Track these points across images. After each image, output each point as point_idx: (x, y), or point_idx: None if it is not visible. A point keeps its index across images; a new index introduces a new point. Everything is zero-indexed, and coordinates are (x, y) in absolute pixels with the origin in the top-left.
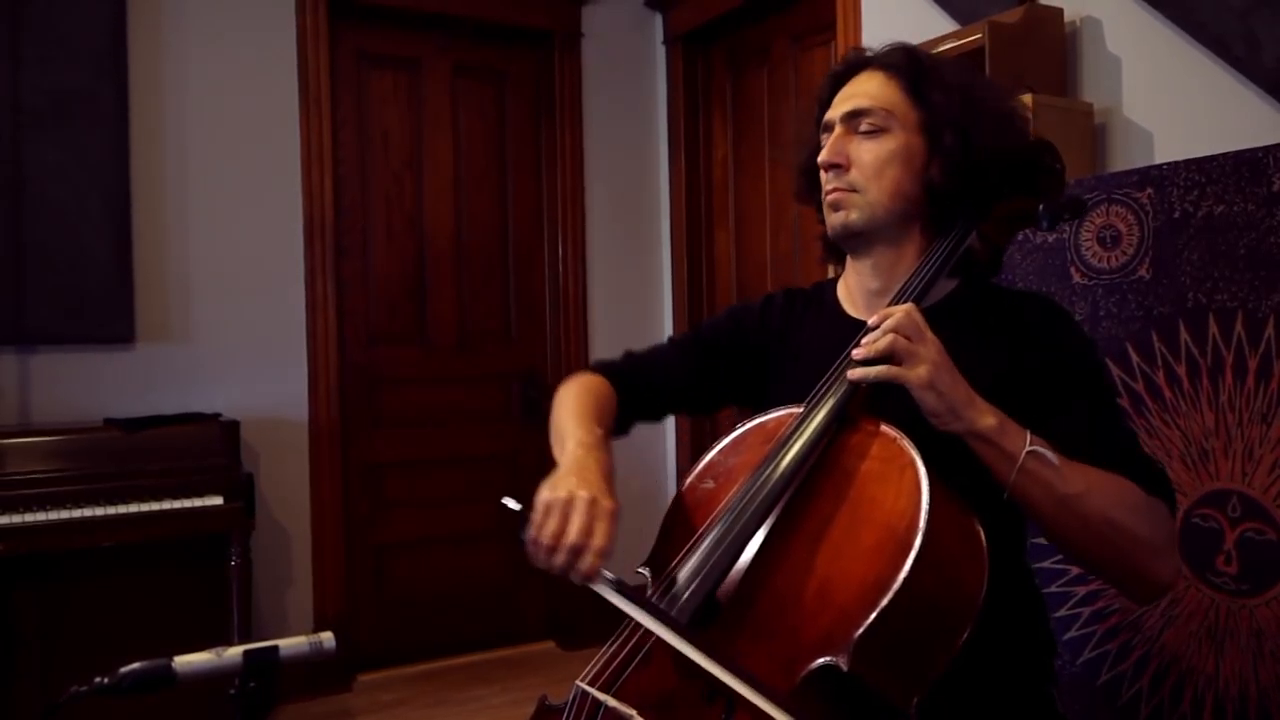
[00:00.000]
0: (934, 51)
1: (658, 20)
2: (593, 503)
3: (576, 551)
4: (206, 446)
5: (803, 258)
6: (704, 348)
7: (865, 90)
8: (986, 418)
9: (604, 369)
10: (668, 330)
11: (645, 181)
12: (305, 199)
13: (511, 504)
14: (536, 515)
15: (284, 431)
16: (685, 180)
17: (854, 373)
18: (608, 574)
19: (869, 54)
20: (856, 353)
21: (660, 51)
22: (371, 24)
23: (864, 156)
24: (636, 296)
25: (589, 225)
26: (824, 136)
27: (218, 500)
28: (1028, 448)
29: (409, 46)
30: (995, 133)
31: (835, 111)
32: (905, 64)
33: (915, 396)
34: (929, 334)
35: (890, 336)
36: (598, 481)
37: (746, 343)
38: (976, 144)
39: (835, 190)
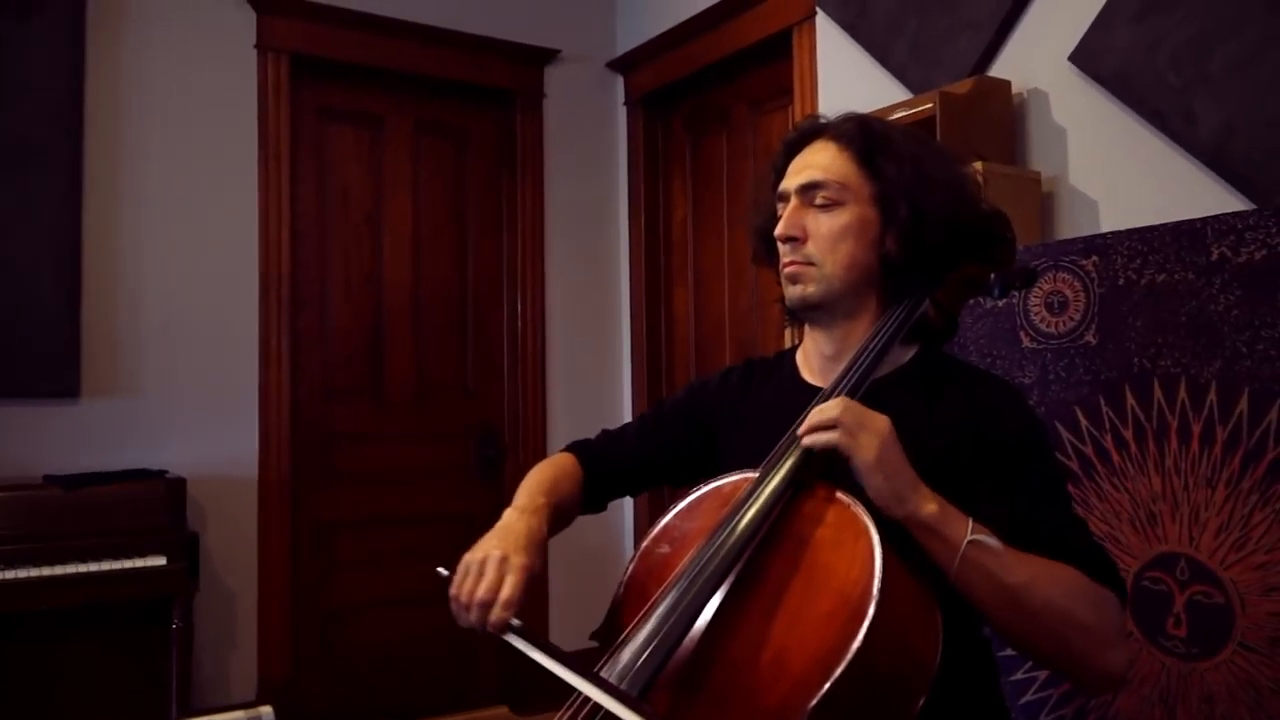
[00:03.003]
0: (887, 119)
1: (619, 82)
2: (503, 560)
3: (485, 606)
4: (150, 505)
5: (760, 315)
6: (664, 425)
7: (819, 162)
8: (929, 504)
9: (575, 445)
10: (626, 389)
11: (605, 240)
12: (261, 253)
13: (444, 571)
14: (456, 576)
15: (233, 489)
16: (645, 239)
17: (806, 438)
18: (514, 625)
19: (823, 121)
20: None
21: (621, 113)
22: (333, 80)
23: (820, 229)
24: (595, 354)
25: (549, 282)
26: (780, 205)
27: (160, 561)
28: (969, 537)
29: (371, 103)
30: (948, 204)
31: (790, 182)
32: (858, 135)
33: (862, 479)
34: (870, 415)
35: (828, 434)
36: (516, 541)
37: (702, 417)
38: (929, 215)
39: (792, 263)
